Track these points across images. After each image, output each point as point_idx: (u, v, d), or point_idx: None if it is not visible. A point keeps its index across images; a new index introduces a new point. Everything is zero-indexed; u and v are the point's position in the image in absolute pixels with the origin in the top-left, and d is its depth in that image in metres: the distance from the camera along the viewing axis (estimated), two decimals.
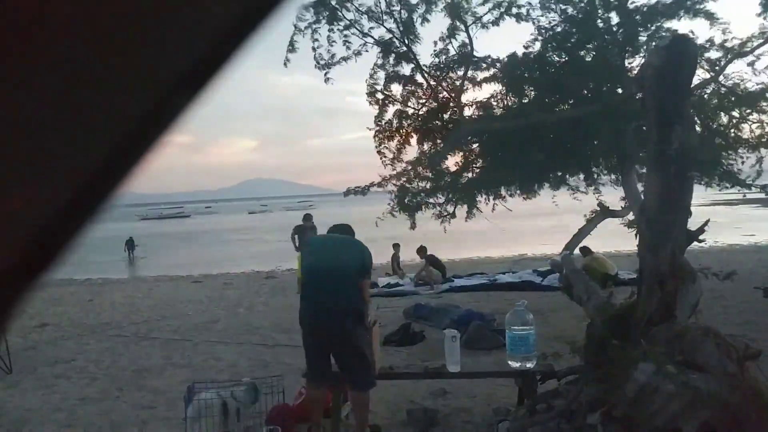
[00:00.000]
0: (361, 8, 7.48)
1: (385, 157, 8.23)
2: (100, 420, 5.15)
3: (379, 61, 7.86)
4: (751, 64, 7.31)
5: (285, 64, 7.60)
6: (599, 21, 7.30)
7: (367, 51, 7.71)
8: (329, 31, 7.40)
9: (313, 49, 7.49)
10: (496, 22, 7.55)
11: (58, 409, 5.48)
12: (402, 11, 7.52)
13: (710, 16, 6.99)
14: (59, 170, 0.29)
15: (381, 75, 7.97)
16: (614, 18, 7.31)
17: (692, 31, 6.96)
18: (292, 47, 7.41)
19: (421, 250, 12.65)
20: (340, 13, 7.36)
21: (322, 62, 7.53)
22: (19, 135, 0.27)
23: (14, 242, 0.30)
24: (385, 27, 7.65)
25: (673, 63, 3.63)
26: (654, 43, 6.94)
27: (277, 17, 0.29)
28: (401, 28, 7.58)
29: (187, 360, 7.11)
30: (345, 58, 7.58)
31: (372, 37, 7.64)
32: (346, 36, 7.44)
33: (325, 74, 7.63)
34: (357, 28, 7.54)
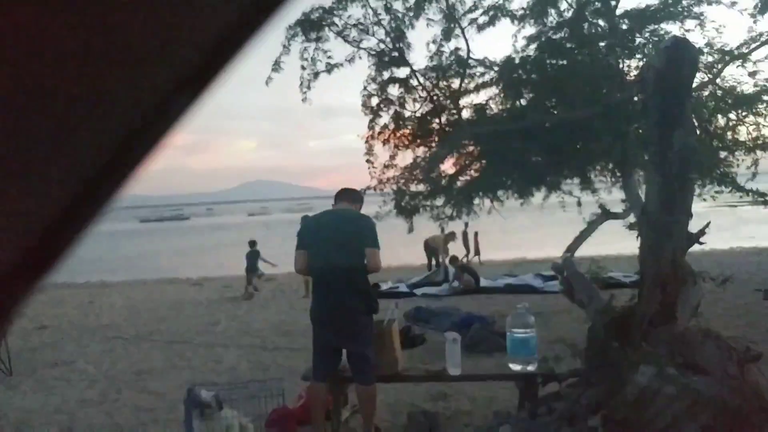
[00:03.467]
0: (349, 21, 7.48)
1: (372, 165, 8.21)
2: (100, 422, 5.15)
3: (372, 73, 7.86)
4: (752, 74, 7.32)
5: (267, 83, 7.60)
6: (589, 27, 7.32)
7: (360, 58, 7.71)
8: (315, 50, 7.41)
9: (302, 68, 7.49)
10: (491, 23, 7.54)
11: (58, 411, 5.48)
12: (392, 21, 7.51)
13: (701, 19, 7.01)
14: (59, 172, 0.29)
15: (374, 85, 7.96)
16: (604, 23, 7.34)
17: (686, 32, 6.98)
18: (277, 66, 7.40)
19: (454, 260, 12.73)
20: (327, 30, 7.36)
21: (307, 79, 7.54)
22: (19, 137, 0.27)
23: (14, 244, 0.29)
24: (375, 38, 7.65)
25: (673, 65, 3.64)
26: (651, 46, 6.95)
27: (277, 18, 0.29)
28: (393, 35, 7.56)
29: (186, 362, 7.10)
30: (337, 65, 7.57)
31: (363, 49, 7.64)
32: (329, 57, 7.45)
33: (304, 93, 7.63)
34: (346, 39, 7.54)
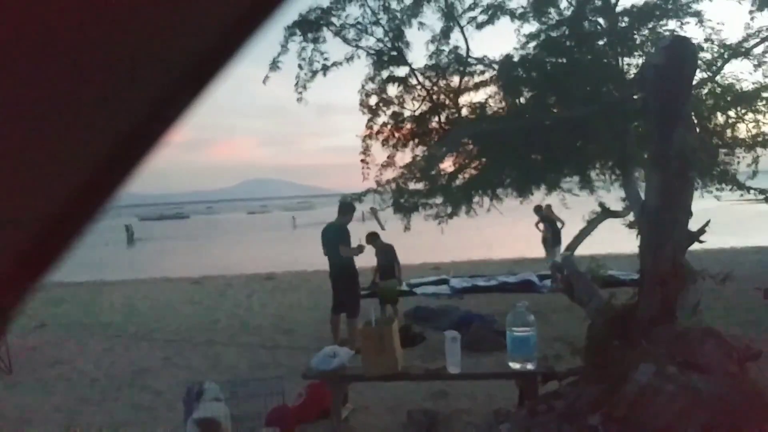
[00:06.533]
0: (347, 21, 7.48)
1: (367, 165, 8.19)
2: (99, 420, 5.15)
3: (371, 72, 7.86)
4: (758, 66, 7.29)
5: (264, 81, 7.60)
6: (588, 24, 7.31)
7: (359, 57, 7.70)
8: (313, 50, 7.43)
9: (300, 67, 7.50)
10: (490, 21, 7.53)
11: (57, 409, 5.48)
12: (390, 21, 7.51)
13: (699, 16, 7.00)
14: (59, 170, 0.29)
15: (372, 84, 7.96)
16: (603, 22, 7.33)
17: (684, 29, 6.97)
18: (275, 65, 7.41)
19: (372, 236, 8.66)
20: (325, 30, 7.37)
21: (303, 80, 7.55)
22: (18, 137, 0.27)
23: (14, 243, 0.29)
24: (374, 37, 7.65)
25: (673, 63, 3.63)
26: (650, 44, 6.94)
27: (277, 17, 0.29)
28: (391, 35, 7.56)
29: (186, 361, 7.10)
30: (336, 63, 7.58)
31: (362, 47, 7.64)
32: (326, 59, 7.47)
33: (300, 93, 7.65)
34: (345, 39, 7.55)
